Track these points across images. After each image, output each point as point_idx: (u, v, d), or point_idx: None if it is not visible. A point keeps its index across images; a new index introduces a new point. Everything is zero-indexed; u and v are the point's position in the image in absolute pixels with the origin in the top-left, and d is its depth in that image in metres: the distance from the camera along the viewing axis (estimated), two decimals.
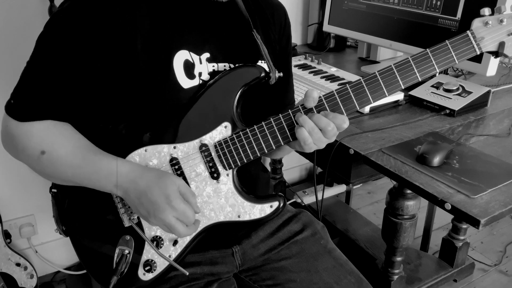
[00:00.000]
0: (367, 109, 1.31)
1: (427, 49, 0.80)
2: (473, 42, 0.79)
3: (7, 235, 1.62)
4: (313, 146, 0.82)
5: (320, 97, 0.81)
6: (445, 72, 1.57)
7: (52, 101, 0.81)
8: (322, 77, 1.51)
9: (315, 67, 1.61)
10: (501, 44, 0.80)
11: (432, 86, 1.39)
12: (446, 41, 0.79)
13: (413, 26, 1.50)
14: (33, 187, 1.68)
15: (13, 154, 0.87)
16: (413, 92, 1.39)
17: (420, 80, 0.80)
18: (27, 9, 1.48)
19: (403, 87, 0.81)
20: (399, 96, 1.37)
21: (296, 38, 2.14)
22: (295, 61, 1.69)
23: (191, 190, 0.82)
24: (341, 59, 1.92)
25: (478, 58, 1.32)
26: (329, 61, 1.86)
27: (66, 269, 1.84)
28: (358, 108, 0.82)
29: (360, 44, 1.90)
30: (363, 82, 0.80)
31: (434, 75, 1.53)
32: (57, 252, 1.82)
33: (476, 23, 0.80)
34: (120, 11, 0.80)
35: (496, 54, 0.81)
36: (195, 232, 0.86)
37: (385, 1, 1.59)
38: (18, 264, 1.62)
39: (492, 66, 1.31)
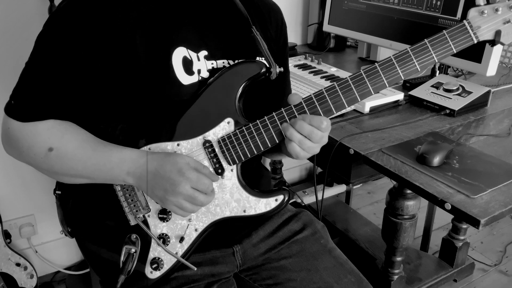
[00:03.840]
0: (367, 109, 1.31)
1: (425, 39, 0.81)
2: (470, 31, 0.80)
3: (7, 235, 1.62)
4: (307, 155, 0.83)
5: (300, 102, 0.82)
6: (445, 72, 1.57)
7: (54, 100, 0.82)
8: (322, 77, 1.51)
9: (315, 67, 1.61)
10: (498, 33, 0.81)
11: (432, 86, 1.39)
12: (444, 31, 0.81)
13: (413, 26, 1.50)
14: (33, 187, 1.68)
15: (16, 156, 0.87)
16: (413, 92, 1.39)
17: (419, 70, 0.82)
18: (27, 9, 1.48)
19: (403, 78, 0.83)
20: (399, 96, 1.37)
21: (296, 38, 2.14)
22: (295, 61, 1.69)
23: (201, 163, 0.83)
24: (341, 59, 1.92)
25: (478, 58, 1.32)
26: (329, 61, 1.86)
27: (66, 269, 1.84)
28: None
29: (360, 44, 1.90)
30: (363, 74, 0.82)
31: (434, 75, 1.53)
32: (57, 252, 1.82)
33: (472, 12, 0.81)
34: (118, 8, 0.81)
35: (492, 42, 0.82)
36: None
37: (385, 1, 1.59)
38: (18, 264, 1.62)
39: (492, 66, 1.31)
